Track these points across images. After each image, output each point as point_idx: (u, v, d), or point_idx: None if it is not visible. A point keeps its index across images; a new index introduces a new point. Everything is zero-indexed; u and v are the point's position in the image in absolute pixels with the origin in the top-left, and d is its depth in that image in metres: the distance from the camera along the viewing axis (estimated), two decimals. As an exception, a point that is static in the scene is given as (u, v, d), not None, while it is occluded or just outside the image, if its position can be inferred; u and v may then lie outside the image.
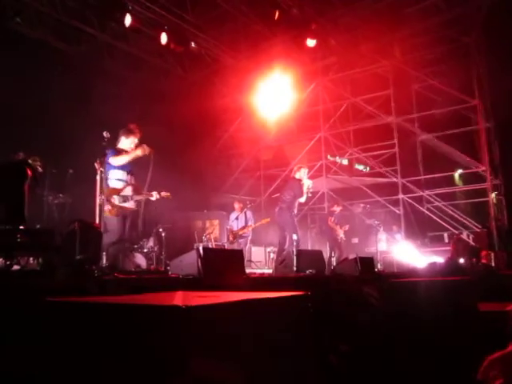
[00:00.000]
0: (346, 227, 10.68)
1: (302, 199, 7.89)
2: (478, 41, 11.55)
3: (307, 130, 13.85)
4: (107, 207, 5.44)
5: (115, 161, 5.52)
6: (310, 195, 7.94)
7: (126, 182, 5.64)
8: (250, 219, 10.07)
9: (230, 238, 9.91)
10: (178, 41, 10.38)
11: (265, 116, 12.32)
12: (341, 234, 10.54)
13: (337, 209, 10.89)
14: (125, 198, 5.54)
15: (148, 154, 5.58)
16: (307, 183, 7.84)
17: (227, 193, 14.16)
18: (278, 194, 8.66)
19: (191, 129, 11.89)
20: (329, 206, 11.62)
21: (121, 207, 5.51)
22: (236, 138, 14.31)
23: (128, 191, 5.58)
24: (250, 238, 10.11)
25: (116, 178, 5.61)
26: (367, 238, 11.83)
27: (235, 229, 10.09)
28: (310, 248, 12.53)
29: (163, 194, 5.86)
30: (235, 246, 9.55)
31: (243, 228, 9.99)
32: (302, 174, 7.99)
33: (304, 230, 13.12)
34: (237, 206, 10.26)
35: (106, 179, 5.45)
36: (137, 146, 5.65)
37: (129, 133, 5.66)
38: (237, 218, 10.12)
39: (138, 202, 5.70)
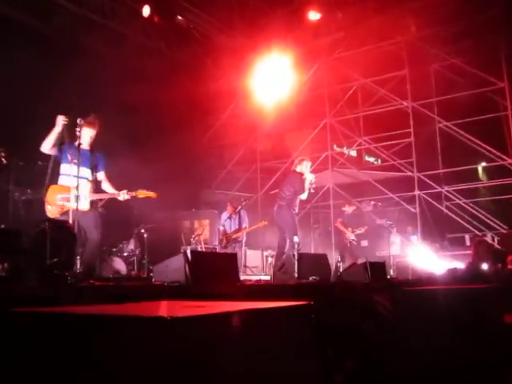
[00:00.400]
0: (362, 229, 10.79)
1: (304, 196, 7.97)
2: (506, 13, 11.40)
3: (310, 116, 13.91)
4: (46, 207, 5.37)
5: (43, 148, 5.45)
6: (312, 191, 8.00)
7: (86, 178, 5.48)
8: (243, 220, 10.19)
9: (223, 242, 10.01)
10: (163, 13, 10.35)
11: (262, 101, 12.32)
12: (351, 236, 10.61)
13: (348, 209, 11.00)
14: (72, 198, 5.40)
15: (65, 124, 5.31)
16: (310, 177, 7.91)
17: (219, 189, 14.18)
18: (276, 190, 8.74)
19: (178, 116, 11.90)
20: (339, 205, 11.64)
21: (63, 208, 5.41)
22: (229, 126, 14.34)
23: (83, 189, 5.32)
24: (244, 241, 10.21)
25: (64, 173, 5.55)
26: (378, 241, 11.94)
27: (228, 231, 10.16)
28: (312, 251, 12.66)
29: (140, 192, 5.61)
30: (229, 251, 9.68)
31: (237, 231, 10.05)
32: (304, 168, 8.06)
33: (306, 231, 13.29)
34: (229, 207, 10.35)
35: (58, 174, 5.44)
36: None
37: (86, 124, 5.57)
38: (229, 218, 10.20)
39: (95, 204, 5.58)
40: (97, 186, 5.76)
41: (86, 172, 5.47)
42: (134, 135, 9.96)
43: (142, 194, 5.65)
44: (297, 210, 7.97)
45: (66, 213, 5.39)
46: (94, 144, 5.80)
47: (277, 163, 14.00)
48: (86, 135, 5.58)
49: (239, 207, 10.12)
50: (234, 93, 13.55)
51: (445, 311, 3.47)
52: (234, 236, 9.98)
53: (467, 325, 3.40)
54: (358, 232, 10.93)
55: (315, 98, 13.71)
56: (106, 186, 5.80)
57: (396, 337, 3.50)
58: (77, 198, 5.10)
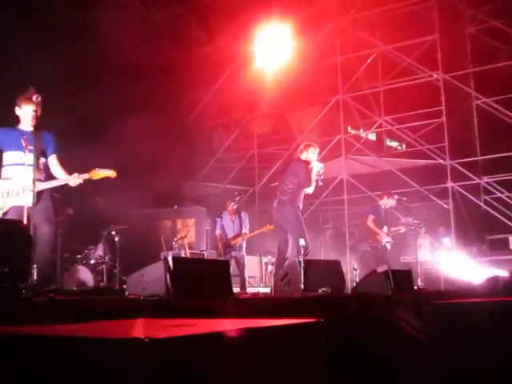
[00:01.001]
0: (402, 228, 10.73)
1: (311, 189, 8.06)
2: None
3: (319, 91, 13.86)
4: None
5: None
6: (321, 184, 8.04)
7: (33, 165, 5.31)
8: (244, 224, 10.27)
9: (220, 250, 10.08)
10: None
11: (261, 73, 12.30)
12: (385, 238, 10.57)
13: (387, 202, 10.88)
14: (16, 192, 5.45)
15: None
16: (317, 167, 7.96)
17: (206, 181, 14.19)
18: (277, 183, 8.74)
19: (156, 90, 11.90)
20: (353, 201, 11.57)
21: (5, 205, 5.46)
22: (219, 104, 14.26)
23: (30, 179, 5.06)
24: (244, 249, 10.26)
25: (9, 163, 5.64)
26: (403, 244, 11.96)
27: (229, 235, 10.19)
28: (322, 257, 12.55)
29: (94, 173, 5.63)
30: (228, 258, 9.75)
31: (236, 237, 10.09)
32: (311, 155, 8.12)
33: (314, 232, 13.13)
34: (230, 207, 10.29)
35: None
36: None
37: (25, 100, 5.56)
38: (230, 221, 10.28)
39: (45, 193, 5.61)
40: (47, 174, 5.79)
41: (31, 159, 5.28)
42: (100, 114, 10.02)
43: (98, 174, 5.67)
44: (301, 207, 8.01)
45: (14, 211, 5.45)
46: (41, 125, 5.66)
47: (278, 149, 14.01)
48: (27, 113, 5.59)
49: (232, 203, 10.17)
50: (226, 62, 13.55)
51: (485, 328, 3.51)
52: (232, 242, 10.07)
53: (512, 344, 3.40)
54: (396, 231, 10.91)
55: (325, 69, 13.69)
56: (58, 171, 5.82)
57: (425, 360, 3.50)
58: (24, 190, 5.14)
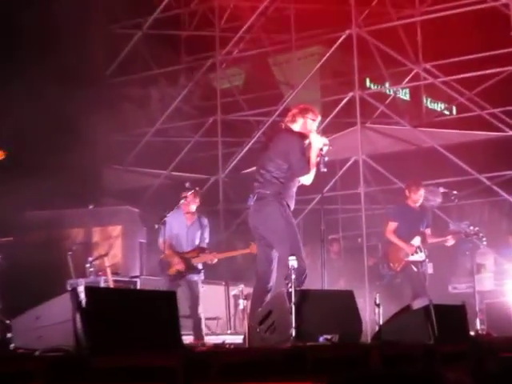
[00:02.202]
0: (449, 240, 10.81)
1: (308, 178, 7.99)
2: None
3: (321, 22, 14.03)
4: None
5: None
6: (324, 170, 7.87)
7: None
8: (205, 235, 10.55)
9: (172, 268, 10.15)
10: None
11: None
12: (413, 256, 10.65)
13: (419, 197, 10.88)
14: None
15: None
16: (318, 143, 7.88)
17: (139, 166, 14.39)
18: (253, 168, 8.79)
19: (51, 21, 11.90)
20: (408, 187, 11.30)
21: None
22: (159, 40, 14.60)
23: None
24: (202, 274, 10.40)
25: None
26: (453, 264, 12.56)
27: (184, 247, 10.34)
28: (326, 286, 12.62)
29: None
30: (175, 288, 9.65)
31: (200, 251, 10.27)
32: (309, 124, 8.07)
33: (313, 246, 12.99)
34: (191, 199, 10.43)
35: None
36: None
37: None
38: (188, 226, 10.40)
39: None
40: None
41: None
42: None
43: None
44: (292, 206, 8.02)
45: None
46: None
47: (255, 115, 14.22)
48: None
49: (192, 195, 10.35)
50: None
51: None
52: (194, 259, 10.26)
53: None
54: (440, 244, 11.09)
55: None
56: None
57: None
58: None
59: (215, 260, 10.35)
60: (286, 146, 7.88)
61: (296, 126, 8.02)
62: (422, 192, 10.89)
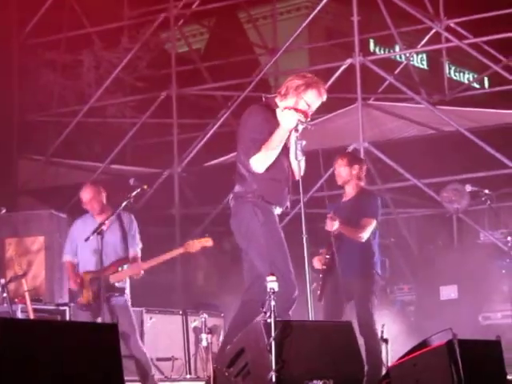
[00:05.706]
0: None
1: (260, 167, 7.42)
2: None
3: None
4: None
5: None
6: (300, 159, 7.41)
7: None
8: (130, 235, 10.05)
9: (85, 295, 9.81)
10: None
11: None
12: None
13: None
14: None
15: None
16: (288, 119, 7.26)
17: (68, 157, 14.09)
18: (227, 157, 9.08)
19: None
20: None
21: None
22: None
23: None
24: (128, 293, 9.96)
25: None
26: (485, 284, 12.36)
27: (92, 265, 9.85)
28: (316, 316, 11.53)
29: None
30: (96, 317, 9.63)
31: (114, 266, 9.79)
32: (303, 106, 7.43)
33: (299, 261, 12.12)
34: (88, 194, 9.92)
35: None
36: None
37: None
38: (98, 230, 9.55)
39: None
40: None
41: None
42: None
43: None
44: (283, 207, 7.77)
45: None
46: None
47: (222, 88, 14.20)
48: None
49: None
50: None
51: None
52: (112, 278, 9.69)
53: None
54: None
55: None
56: None
57: None
58: None
59: (141, 272, 9.72)
60: (242, 128, 7.68)
61: (283, 104, 7.47)
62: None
